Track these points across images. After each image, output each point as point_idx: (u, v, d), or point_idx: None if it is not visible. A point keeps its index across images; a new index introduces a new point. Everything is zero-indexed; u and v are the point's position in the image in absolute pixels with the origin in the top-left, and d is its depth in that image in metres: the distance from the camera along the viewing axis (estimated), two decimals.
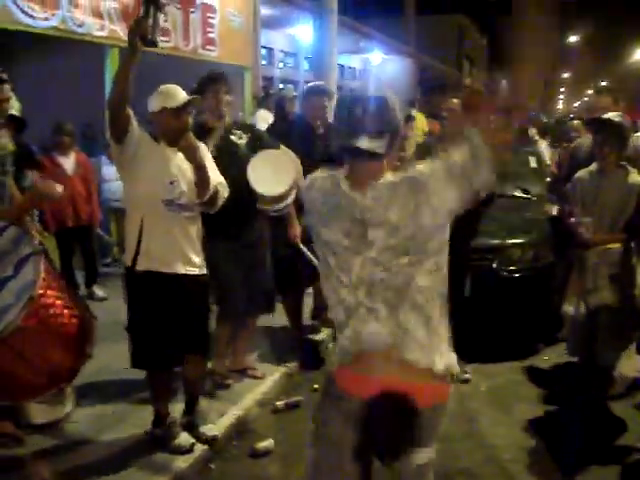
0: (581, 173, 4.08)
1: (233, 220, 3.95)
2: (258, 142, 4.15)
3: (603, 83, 50.36)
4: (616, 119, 3.88)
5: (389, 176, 1.95)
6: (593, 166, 4.02)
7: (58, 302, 3.00)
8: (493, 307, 5.12)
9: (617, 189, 3.85)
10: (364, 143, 1.90)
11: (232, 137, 4.11)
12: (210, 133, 4.03)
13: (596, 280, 3.85)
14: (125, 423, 3.74)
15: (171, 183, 3.24)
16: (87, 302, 3.47)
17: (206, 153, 3.42)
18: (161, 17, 2.99)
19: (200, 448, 3.51)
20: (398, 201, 1.91)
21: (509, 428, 3.99)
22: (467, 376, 4.66)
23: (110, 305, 5.63)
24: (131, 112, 3.16)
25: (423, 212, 1.90)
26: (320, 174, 2.10)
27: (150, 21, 2.93)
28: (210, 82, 4.05)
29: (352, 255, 1.96)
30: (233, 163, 3.89)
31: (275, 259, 4.48)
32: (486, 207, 4.40)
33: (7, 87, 3.33)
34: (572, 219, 3.92)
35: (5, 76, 3.33)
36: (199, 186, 3.26)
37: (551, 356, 5.04)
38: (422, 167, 1.96)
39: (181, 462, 3.37)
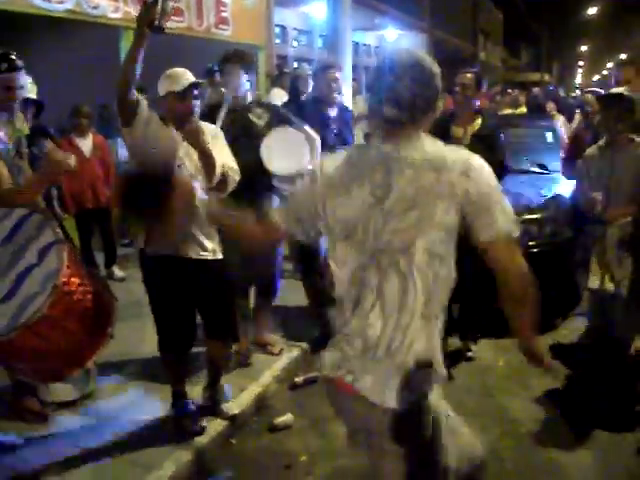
0: (590, 150, 4.08)
1: (242, 201, 3.93)
2: (280, 121, 4.12)
3: (623, 56, 49.48)
4: (625, 93, 3.89)
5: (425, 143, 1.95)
6: (602, 141, 4.01)
7: (80, 288, 3.04)
8: None
9: (630, 162, 3.85)
10: (389, 111, 1.91)
11: (250, 116, 4.10)
12: (234, 113, 4.06)
13: (619, 254, 3.84)
14: (146, 400, 3.82)
15: (178, 167, 3.22)
16: (107, 282, 3.51)
17: (217, 136, 3.39)
18: (170, 3, 2.97)
19: (221, 423, 3.59)
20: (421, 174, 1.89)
21: (526, 402, 4.02)
22: (470, 354, 4.70)
23: (129, 285, 5.71)
24: (139, 96, 3.17)
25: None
26: (340, 152, 2.10)
27: (158, 7, 2.92)
28: (228, 61, 4.06)
29: (370, 211, 1.92)
30: (249, 142, 3.92)
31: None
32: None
33: (22, 73, 3.35)
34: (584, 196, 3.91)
35: (21, 63, 3.35)
36: (205, 171, 3.23)
37: (569, 331, 5.04)
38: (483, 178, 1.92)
39: (202, 437, 3.44)
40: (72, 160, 3.21)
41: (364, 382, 1.93)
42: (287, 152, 3.91)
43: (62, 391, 3.69)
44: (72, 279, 2.97)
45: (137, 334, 4.35)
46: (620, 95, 3.91)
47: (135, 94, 3.14)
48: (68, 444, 3.36)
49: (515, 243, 1.95)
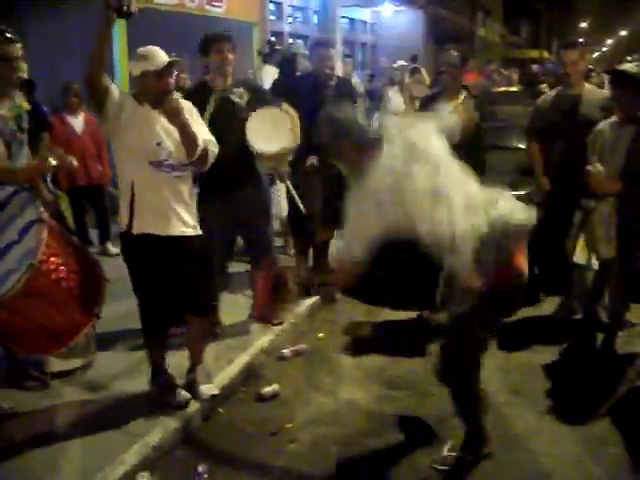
0: (602, 125, 4.06)
1: (224, 178, 3.98)
2: (259, 102, 4.19)
3: (623, 33, 48.84)
4: (633, 69, 3.88)
5: None
6: (613, 118, 3.99)
7: (63, 267, 3.09)
8: None
9: (635, 140, 3.82)
10: None
11: (231, 96, 4.15)
12: (212, 94, 4.11)
13: (608, 231, 3.88)
14: (138, 372, 3.91)
15: (158, 144, 3.25)
16: (101, 258, 3.57)
17: (192, 110, 3.41)
18: None
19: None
20: None
21: (505, 374, 4.12)
22: None
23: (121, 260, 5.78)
24: (109, 82, 3.19)
25: None
26: None
27: None
28: (213, 41, 4.10)
29: None
30: (230, 122, 3.99)
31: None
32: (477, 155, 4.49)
33: (18, 46, 3.44)
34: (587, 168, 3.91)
35: (15, 37, 3.43)
36: (186, 146, 3.25)
37: (551, 305, 5.14)
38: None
39: (190, 407, 3.55)
40: (74, 162, 3.30)
41: None
42: (271, 132, 4.00)
43: (58, 361, 3.77)
44: (52, 258, 3.02)
45: (130, 308, 4.44)
46: (626, 71, 3.86)
47: (106, 80, 3.16)
48: (59, 414, 3.46)
49: None
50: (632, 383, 3.88)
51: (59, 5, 7.93)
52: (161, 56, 3.25)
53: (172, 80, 3.31)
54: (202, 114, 3.69)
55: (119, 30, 7.56)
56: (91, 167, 6.31)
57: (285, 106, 4.29)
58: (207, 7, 9.26)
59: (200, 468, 3.08)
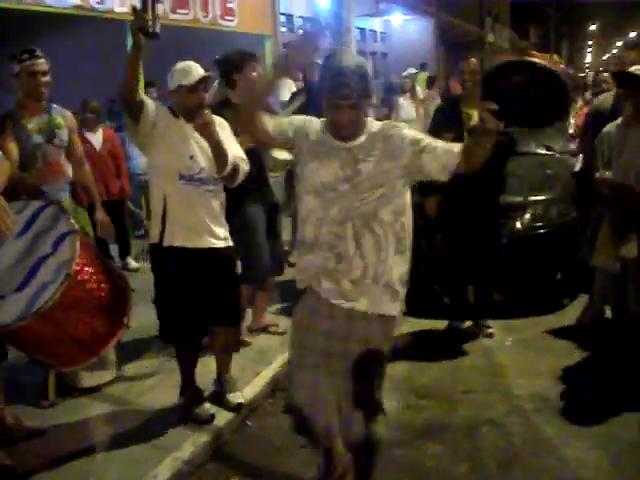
0: (609, 127, 4.05)
1: (258, 187, 4.08)
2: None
3: (632, 35, 48.69)
4: (638, 72, 3.86)
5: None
6: (620, 120, 4.00)
7: (94, 277, 3.13)
8: (518, 264, 5.20)
9: None
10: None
11: None
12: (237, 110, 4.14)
13: (626, 233, 3.87)
14: (164, 385, 3.94)
15: (190, 158, 3.30)
16: (123, 273, 3.61)
17: (225, 127, 3.45)
18: (160, 6, 3.05)
19: None
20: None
21: (533, 380, 4.11)
22: (491, 330, 4.80)
23: (143, 275, 5.82)
24: (143, 96, 3.25)
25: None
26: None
27: (149, 14, 2.99)
28: (248, 59, 4.15)
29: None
30: None
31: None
32: (506, 159, 4.53)
33: (41, 61, 3.54)
34: (596, 174, 3.91)
35: (40, 53, 3.53)
36: (217, 162, 3.29)
37: (576, 311, 5.10)
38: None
39: (219, 420, 3.55)
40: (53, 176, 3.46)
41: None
42: None
43: (85, 377, 3.81)
44: (85, 268, 3.06)
45: (154, 321, 4.45)
46: (634, 74, 3.85)
47: (140, 95, 3.22)
48: (90, 429, 3.48)
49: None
50: None
51: (72, 25, 8.04)
52: (195, 71, 3.31)
53: (206, 95, 3.36)
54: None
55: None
56: (110, 183, 6.35)
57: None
58: (220, 21, 9.34)
59: None
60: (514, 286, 5.23)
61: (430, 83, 12.29)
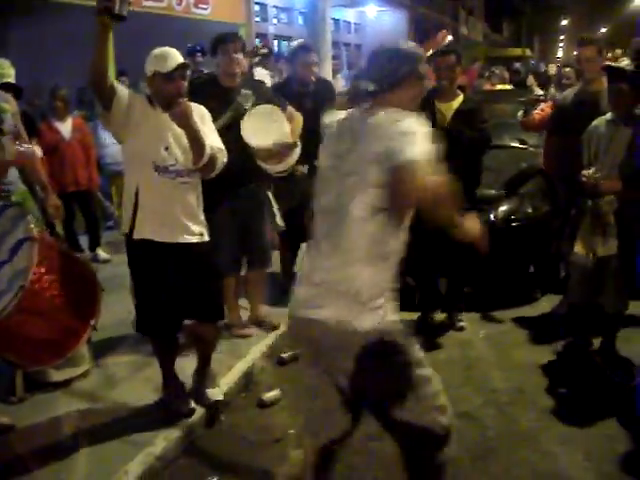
0: (598, 122, 4.03)
1: (232, 180, 3.94)
2: (261, 101, 4.16)
3: (603, 30, 49.29)
4: (627, 67, 3.86)
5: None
6: (609, 115, 3.97)
7: (55, 284, 3.02)
8: (491, 257, 5.18)
9: (628, 139, 3.79)
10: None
11: (239, 98, 4.13)
12: (222, 91, 4.10)
13: (605, 229, 3.88)
14: (136, 379, 3.88)
15: (165, 149, 3.19)
16: (94, 272, 3.50)
17: (204, 116, 3.36)
18: None
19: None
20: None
21: (507, 372, 4.12)
22: (462, 324, 4.80)
23: (114, 267, 5.73)
24: (114, 82, 3.13)
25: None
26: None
27: None
28: (221, 42, 4.08)
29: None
30: (234, 123, 3.98)
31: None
32: (481, 154, 4.53)
33: None
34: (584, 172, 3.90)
35: None
36: (193, 152, 3.19)
37: (549, 303, 5.14)
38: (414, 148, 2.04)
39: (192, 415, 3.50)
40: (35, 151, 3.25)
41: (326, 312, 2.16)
42: (266, 128, 3.98)
43: (56, 371, 3.72)
44: (45, 276, 2.95)
45: (125, 314, 4.38)
46: (623, 69, 3.88)
47: (110, 80, 3.09)
48: (60, 425, 3.40)
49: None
50: (634, 380, 3.87)
51: (41, 11, 7.85)
52: (173, 57, 3.17)
53: (184, 83, 3.21)
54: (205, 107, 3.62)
55: None
56: (80, 173, 6.24)
57: (290, 108, 4.29)
58: (193, 9, 9.22)
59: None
60: (487, 279, 5.24)
61: None
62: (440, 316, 4.93)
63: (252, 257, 4.49)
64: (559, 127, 4.90)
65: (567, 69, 5.82)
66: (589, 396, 3.77)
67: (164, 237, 3.26)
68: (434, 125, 4.28)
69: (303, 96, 4.97)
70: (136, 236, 3.26)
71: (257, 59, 7.98)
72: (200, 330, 3.55)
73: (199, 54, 7.10)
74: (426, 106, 4.53)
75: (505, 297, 5.32)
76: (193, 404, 3.54)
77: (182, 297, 3.35)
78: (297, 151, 4.25)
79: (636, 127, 3.80)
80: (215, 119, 3.52)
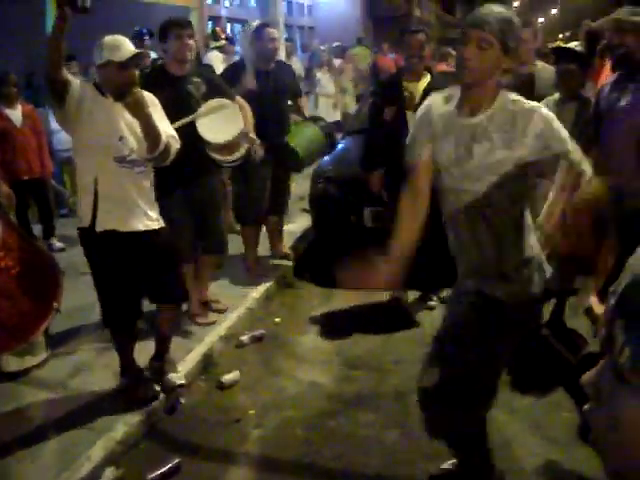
0: (545, 101, 4.00)
1: (186, 169, 3.96)
2: (214, 94, 4.16)
3: (554, 11, 49.75)
4: (577, 48, 3.96)
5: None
6: (555, 95, 4.04)
7: (17, 263, 3.02)
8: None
9: (578, 118, 3.83)
10: None
11: (189, 87, 4.12)
12: (173, 81, 4.07)
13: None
14: (95, 366, 3.88)
15: (120, 139, 3.17)
16: (53, 256, 3.48)
17: (156, 104, 3.34)
18: None
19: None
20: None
21: None
22: (433, 303, 4.92)
23: (69, 254, 5.68)
24: (68, 75, 3.09)
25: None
26: None
27: None
28: (173, 27, 4.04)
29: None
30: (184, 112, 3.95)
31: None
32: None
33: None
34: None
35: None
36: (148, 142, 3.18)
37: None
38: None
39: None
40: None
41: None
42: (221, 122, 4.00)
43: (11, 361, 3.70)
44: (5, 256, 2.95)
45: (81, 302, 4.37)
46: (570, 49, 3.96)
47: (64, 75, 3.05)
48: (20, 414, 3.40)
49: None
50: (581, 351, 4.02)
51: None
52: (126, 46, 3.14)
53: (136, 72, 3.18)
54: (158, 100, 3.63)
55: (52, 17, 7.33)
56: (32, 160, 6.12)
57: (238, 98, 4.32)
58: None
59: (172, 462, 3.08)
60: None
61: (341, 52, 12.14)
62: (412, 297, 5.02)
63: (207, 244, 4.51)
64: None
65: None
66: (537, 366, 3.90)
67: (127, 226, 3.25)
68: (402, 104, 4.38)
69: (263, 75, 5.02)
70: (99, 228, 3.22)
71: (213, 44, 7.95)
72: (162, 314, 3.59)
73: (146, 37, 7.01)
74: (393, 87, 4.61)
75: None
76: (157, 388, 3.56)
77: (146, 284, 3.38)
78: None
79: (581, 108, 3.91)
80: (168, 111, 3.50)
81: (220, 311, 4.69)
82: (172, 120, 3.64)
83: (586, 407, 1.03)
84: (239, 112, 4.18)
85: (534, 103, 2.29)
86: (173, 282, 3.50)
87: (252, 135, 4.39)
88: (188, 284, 4.37)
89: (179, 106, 3.94)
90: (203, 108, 4.02)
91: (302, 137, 5.26)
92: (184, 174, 4.03)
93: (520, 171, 2.28)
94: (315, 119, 5.66)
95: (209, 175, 4.36)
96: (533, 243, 2.42)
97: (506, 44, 2.23)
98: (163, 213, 3.48)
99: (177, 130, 3.48)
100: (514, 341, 2.52)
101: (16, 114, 6.05)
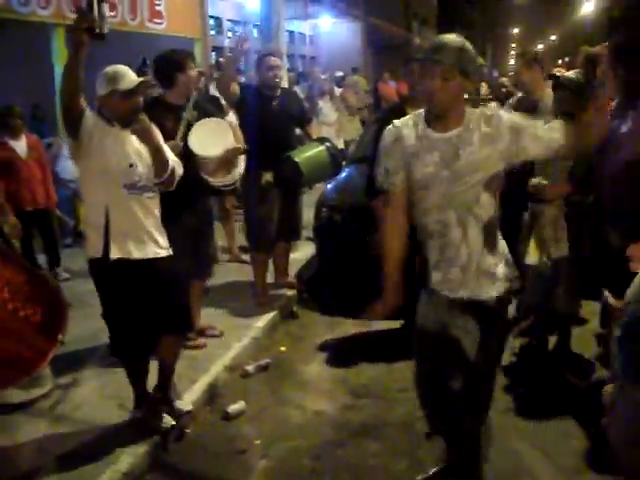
0: None
1: (184, 193, 3.89)
2: (203, 115, 4.24)
3: (553, 37, 50.17)
4: (575, 76, 4.00)
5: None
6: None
7: (18, 296, 3.01)
8: None
9: None
10: None
11: (184, 114, 4.17)
12: (171, 110, 4.13)
13: (556, 232, 3.99)
14: (100, 396, 3.86)
15: (130, 166, 3.21)
16: (60, 287, 3.47)
17: (157, 131, 3.37)
18: (105, 5, 2.89)
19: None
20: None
21: None
22: None
23: (74, 284, 5.68)
24: (84, 104, 3.12)
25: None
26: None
27: (95, 13, 2.84)
28: (180, 67, 4.12)
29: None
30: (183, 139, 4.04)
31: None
32: None
33: None
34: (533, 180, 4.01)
35: None
36: (157, 166, 3.23)
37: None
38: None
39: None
40: None
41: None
42: (212, 138, 4.06)
43: (17, 392, 3.67)
44: (6, 288, 2.94)
45: (87, 332, 4.37)
46: (567, 78, 4.00)
47: (82, 103, 3.09)
48: (25, 446, 3.37)
49: None
50: (588, 381, 4.00)
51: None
52: (130, 75, 3.21)
53: (141, 99, 3.26)
54: (162, 131, 3.67)
55: (59, 48, 7.45)
56: (37, 191, 6.12)
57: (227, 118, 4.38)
58: (148, 24, 9.19)
59: None
60: None
61: (340, 81, 12.27)
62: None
63: (198, 269, 4.49)
64: None
65: (504, 79, 5.97)
66: (546, 395, 3.88)
67: (139, 254, 3.27)
68: None
69: (270, 100, 5.06)
70: (113, 257, 3.22)
71: (215, 74, 8.04)
72: (166, 344, 3.55)
73: (146, 68, 7.15)
74: (396, 114, 4.62)
75: None
76: (169, 421, 3.52)
77: (157, 313, 3.36)
78: (242, 162, 4.35)
79: None
80: (168, 139, 3.56)
81: (215, 336, 4.67)
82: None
83: (604, 420, 1.11)
84: (229, 128, 4.23)
85: (493, 108, 2.66)
86: (180, 311, 3.49)
87: (240, 145, 4.40)
88: None
89: (174, 133, 4.02)
90: (194, 126, 4.09)
91: (304, 152, 5.23)
92: (185, 199, 4.05)
93: (500, 168, 2.56)
94: (322, 140, 5.63)
95: (202, 201, 4.39)
96: (502, 242, 2.72)
97: (465, 70, 2.46)
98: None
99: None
100: (504, 337, 2.83)
101: (21, 145, 6.08)
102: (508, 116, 2.60)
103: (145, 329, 3.37)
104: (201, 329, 4.71)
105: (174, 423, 3.51)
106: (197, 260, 4.42)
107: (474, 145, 2.52)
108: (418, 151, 2.59)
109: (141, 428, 3.46)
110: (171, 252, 3.43)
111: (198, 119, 4.17)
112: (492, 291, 2.62)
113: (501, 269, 2.65)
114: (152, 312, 3.36)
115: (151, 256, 3.30)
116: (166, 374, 3.65)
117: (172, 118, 4.08)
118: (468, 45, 2.49)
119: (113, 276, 3.27)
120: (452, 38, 2.50)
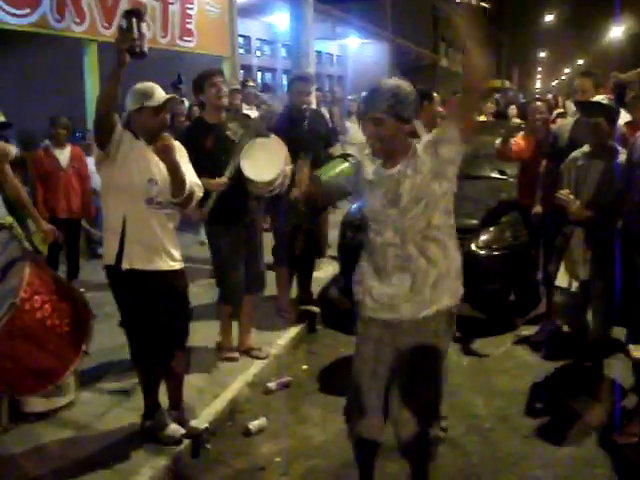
0: (575, 153, 4.13)
1: (233, 206, 4.16)
2: (250, 135, 4.29)
3: (580, 62, 50.07)
4: (605, 101, 4.00)
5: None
6: (586, 147, 4.07)
7: (48, 305, 3.02)
8: (472, 286, 5.26)
9: (604, 173, 3.90)
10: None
11: (228, 133, 4.25)
12: (210, 129, 4.20)
13: (586, 254, 3.97)
14: (122, 408, 3.88)
15: (149, 181, 3.27)
16: (86, 298, 3.50)
17: (183, 153, 3.44)
18: (144, 26, 2.96)
19: (196, 429, 3.65)
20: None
21: (490, 399, 4.18)
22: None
23: (94, 295, 5.71)
24: (117, 118, 3.21)
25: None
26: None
27: (135, 33, 2.92)
28: (208, 76, 4.19)
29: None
30: (226, 157, 4.13)
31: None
32: None
33: None
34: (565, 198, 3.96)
35: None
36: (174, 186, 3.28)
37: (530, 331, 5.21)
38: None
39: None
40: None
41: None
42: (266, 160, 4.13)
43: (39, 401, 3.71)
44: (36, 296, 2.94)
45: (109, 343, 4.40)
46: (598, 103, 3.99)
47: (115, 117, 3.18)
48: (46, 455, 3.39)
49: None
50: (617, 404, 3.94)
51: (29, 41, 7.94)
52: (159, 92, 3.29)
53: (168, 117, 3.34)
54: (202, 149, 3.76)
55: (91, 65, 7.60)
56: (73, 201, 6.21)
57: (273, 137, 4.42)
58: (178, 42, 9.33)
59: None
60: (469, 306, 5.31)
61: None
62: None
63: (251, 282, 4.53)
64: (556, 156, 4.94)
65: (538, 103, 5.85)
66: (569, 420, 3.83)
67: (151, 265, 3.33)
68: None
69: (299, 121, 5.14)
70: (125, 266, 3.30)
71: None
72: (180, 358, 3.58)
73: (180, 85, 7.25)
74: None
75: (487, 325, 5.40)
76: (179, 431, 3.53)
77: (170, 324, 3.41)
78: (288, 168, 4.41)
79: (610, 160, 3.93)
80: (212, 158, 3.71)
81: (260, 358, 4.66)
82: (216, 166, 3.84)
83: None
84: (281, 146, 4.29)
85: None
86: (184, 327, 3.55)
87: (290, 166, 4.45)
88: (225, 321, 4.58)
89: (223, 152, 4.12)
90: (245, 149, 4.14)
91: (329, 170, 5.25)
92: (231, 212, 4.18)
93: (444, 187, 2.63)
94: (346, 156, 5.66)
95: (251, 212, 4.46)
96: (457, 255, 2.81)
97: (398, 115, 2.57)
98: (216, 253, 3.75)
99: (219, 173, 3.73)
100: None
101: (64, 155, 6.18)
102: (427, 136, 2.72)
103: (162, 338, 3.41)
104: (249, 348, 4.71)
105: (183, 432, 3.51)
106: (248, 272, 4.47)
107: (410, 177, 2.61)
108: (373, 185, 2.74)
109: (151, 438, 3.48)
110: (183, 265, 3.49)
111: (244, 137, 4.23)
112: (449, 302, 2.74)
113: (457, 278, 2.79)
114: (169, 323, 3.41)
115: (165, 268, 3.36)
116: (175, 391, 3.66)
117: (211, 137, 4.16)
118: (402, 88, 2.59)
119: (127, 284, 3.35)
120: (385, 83, 2.62)
